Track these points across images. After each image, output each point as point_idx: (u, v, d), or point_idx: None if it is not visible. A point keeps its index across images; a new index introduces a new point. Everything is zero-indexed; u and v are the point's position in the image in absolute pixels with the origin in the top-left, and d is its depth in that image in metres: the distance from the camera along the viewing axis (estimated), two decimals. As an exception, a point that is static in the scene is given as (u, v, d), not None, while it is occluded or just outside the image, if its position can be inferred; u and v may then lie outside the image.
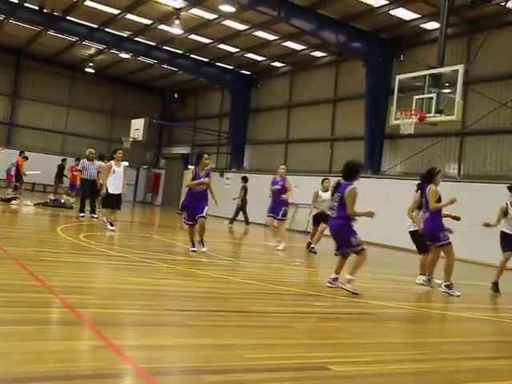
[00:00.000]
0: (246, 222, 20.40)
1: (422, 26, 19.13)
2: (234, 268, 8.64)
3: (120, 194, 12.64)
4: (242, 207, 20.26)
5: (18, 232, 10.78)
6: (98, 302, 5.05)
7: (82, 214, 14.79)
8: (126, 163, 13.45)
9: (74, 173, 21.82)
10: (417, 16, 18.55)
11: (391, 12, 18.35)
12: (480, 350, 5.12)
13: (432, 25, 18.61)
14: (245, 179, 20.56)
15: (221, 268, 8.34)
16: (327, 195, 12.12)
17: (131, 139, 26.30)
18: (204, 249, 9.82)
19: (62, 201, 18.67)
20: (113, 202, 12.50)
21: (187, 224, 10.00)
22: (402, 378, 3.83)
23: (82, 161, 15.59)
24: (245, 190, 20.21)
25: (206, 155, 10.39)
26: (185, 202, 10.30)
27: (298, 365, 3.78)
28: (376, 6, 18.09)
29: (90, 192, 15.23)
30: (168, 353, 3.74)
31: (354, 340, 4.85)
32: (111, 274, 6.73)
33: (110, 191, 12.43)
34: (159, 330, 4.34)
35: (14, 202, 17.32)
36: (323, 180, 13.05)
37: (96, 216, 14.97)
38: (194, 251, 9.72)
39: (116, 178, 12.45)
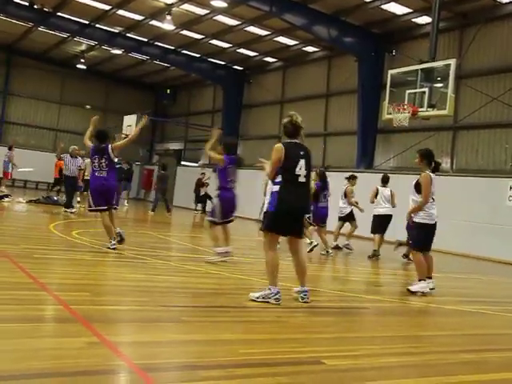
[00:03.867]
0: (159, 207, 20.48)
1: (413, 20, 19.18)
2: (227, 263, 8.63)
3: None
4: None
5: (10, 229, 10.73)
6: (92, 298, 5.04)
7: (72, 210, 14.94)
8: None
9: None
10: (409, 10, 18.59)
11: (383, 6, 18.38)
12: (472, 342, 5.15)
13: (424, 19, 18.65)
14: (163, 168, 21.40)
15: (214, 263, 8.34)
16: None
17: (123, 135, 26.18)
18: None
19: (55, 198, 18.65)
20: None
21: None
22: (394, 371, 3.86)
23: (65, 156, 15.95)
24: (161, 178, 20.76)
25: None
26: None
27: (291, 359, 3.80)
28: (367, 0, 18.13)
29: (68, 188, 15.72)
30: (162, 349, 3.74)
31: (347, 334, 4.88)
32: (105, 271, 6.72)
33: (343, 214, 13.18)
34: (154, 326, 4.34)
35: (7, 199, 17.26)
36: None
37: (70, 211, 14.89)
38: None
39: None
